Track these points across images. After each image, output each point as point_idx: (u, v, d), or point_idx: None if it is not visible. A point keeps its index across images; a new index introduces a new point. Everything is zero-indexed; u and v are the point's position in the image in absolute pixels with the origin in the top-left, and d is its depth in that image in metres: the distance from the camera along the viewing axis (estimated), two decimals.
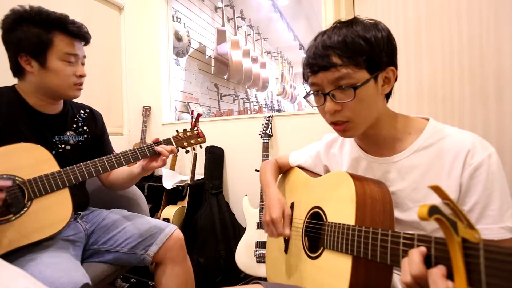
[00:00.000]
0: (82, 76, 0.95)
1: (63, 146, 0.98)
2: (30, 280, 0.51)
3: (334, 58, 0.57)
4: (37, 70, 0.88)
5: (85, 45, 0.98)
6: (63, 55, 0.89)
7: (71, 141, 1.00)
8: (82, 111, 1.08)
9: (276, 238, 0.77)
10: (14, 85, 0.94)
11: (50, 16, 0.87)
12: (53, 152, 0.94)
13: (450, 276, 0.36)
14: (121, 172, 1.07)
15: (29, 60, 0.87)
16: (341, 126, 0.62)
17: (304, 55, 0.67)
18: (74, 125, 1.03)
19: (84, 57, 0.98)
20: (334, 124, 0.63)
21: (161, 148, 0.96)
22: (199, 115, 1.09)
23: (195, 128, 1.07)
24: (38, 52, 0.86)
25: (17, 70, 0.90)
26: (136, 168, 1.01)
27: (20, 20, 0.85)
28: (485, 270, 0.33)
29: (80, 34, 0.93)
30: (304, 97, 0.67)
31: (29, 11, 0.86)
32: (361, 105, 0.59)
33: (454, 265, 0.35)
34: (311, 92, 0.65)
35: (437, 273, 0.36)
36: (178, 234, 1.01)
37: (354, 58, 0.56)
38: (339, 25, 0.60)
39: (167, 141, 1.00)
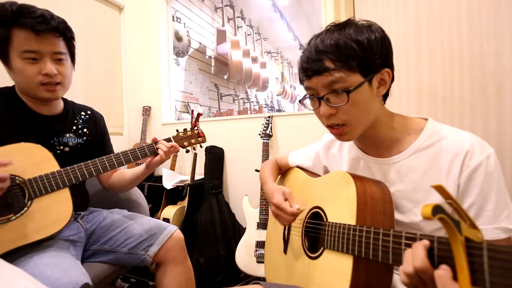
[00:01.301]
0: (47, 74, 0.83)
1: (61, 147, 0.97)
2: (30, 280, 0.51)
3: (327, 63, 0.57)
4: (9, 71, 0.86)
5: (65, 40, 0.87)
6: (21, 52, 0.80)
7: (70, 143, 0.99)
8: (83, 113, 1.07)
9: (291, 222, 0.71)
10: (13, 86, 0.93)
11: (4, 10, 0.78)
12: (51, 154, 0.93)
13: (453, 275, 0.36)
14: (124, 173, 1.07)
15: (2, 61, 0.85)
16: (338, 130, 0.62)
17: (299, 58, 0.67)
18: (74, 127, 1.02)
19: (58, 53, 0.86)
20: (330, 127, 0.64)
21: (160, 144, 0.97)
22: (199, 114, 1.09)
23: (196, 128, 1.07)
24: (1, 52, 0.82)
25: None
26: (140, 167, 1.02)
27: None
28: (489, 269, 0.33)
29: (36, 28, 0.79)
30: (300, 101, 0.68)
31: None
32: (356, 109, 0.59)
33: (458, 264, 0.35)
34: (307, 96, 0.65)
35: (445, 275, 0.36)
36: (178, 234, 1.01)
37: (346, 62, 0.56)
38: (332, 28, 0.60)
39: (168, 141, 1.01)
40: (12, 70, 0.85)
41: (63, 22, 0.87)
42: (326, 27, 0.62)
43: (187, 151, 1.10)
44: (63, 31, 0.86)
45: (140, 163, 1.03)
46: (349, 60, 0.56)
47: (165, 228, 0.99)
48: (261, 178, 0.92)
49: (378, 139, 0.66)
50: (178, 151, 1.04)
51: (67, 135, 0.99)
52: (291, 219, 0.70)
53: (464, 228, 0.35)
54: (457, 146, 0.57)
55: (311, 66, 0.59)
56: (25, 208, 0.79)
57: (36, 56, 0.82)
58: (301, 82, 0.66)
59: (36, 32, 0.80)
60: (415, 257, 0.39)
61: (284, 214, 0.70)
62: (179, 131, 1.06)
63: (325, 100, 0.59)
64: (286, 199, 0.72)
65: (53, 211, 0.82)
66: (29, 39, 0.80)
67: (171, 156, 1.95)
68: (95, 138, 1.07)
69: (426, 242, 0.40)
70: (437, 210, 0.35)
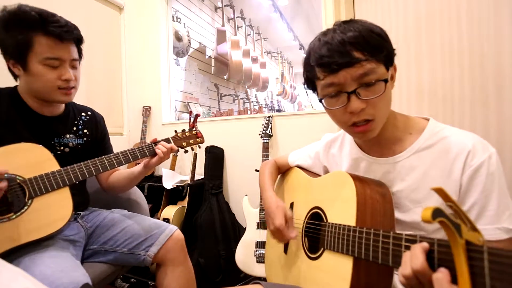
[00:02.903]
0: (68, 80, 0.87)
1: (62, 148, 0.97)
2: (29, 279, 0.51)
3: (356, 54, 0.54)
4: (22, 73, 0.86)
5: (78, 45, 0.91)
6: (43, 59, 0.83)
7: (70, 144, 0.99)
8: (83, 114, 1.07)
9: (285, 242, 0.76)
10: (16, 86, 0.94)
11: (29, 16, 0.80)
12: (52, 154, 0.94)
13: (453, 278, 0.36)
14: (122, 173, 1.07)
15: (15, 63, 0.85)
16: (365, 127, 0.59)
17: (304, 56, 0.64)
18: (74, 128, 1.02)
19: (74, 60, 0.89)
20: (355, 125, 0.59)
21: (160, 145, 0.97)
22: (197, 115, 1.10)
23: (194, 129, 1.07)
24: (18, 56, 0.83)
25: (12, 73, 0.89)
26: (137, 167, 1.02)
27: (5, 22, 0.81)
28: (489, 273, 0.32)
29: (62, 36, 0.83)
30: (320, 101, 0.63)
31: (10, 12, 0.81)
32: (384, 101, 0.58)
33: (458, 268, 0.34)
34: (318, 95, 0.62)
35: (443, 278, 0.36)
36: (179, 234, 1.01)
37: (375, 53, 0.55)
38: (348, 22, 0.58)
39: (166, 141, 1.01)
40: (28, 73, 0.84)
41: (78, 29, 0.90)
42: (334, 24, 0.60)
43: (186, 151, 1.10)
44: (80, 39, 0.91)
45: (139, 163, 1.03)
46: (377, 51, 0.55)
47: (165, 228, 0.99)
48: (260, 183, 0.91)
49: (382, 137, 0.65)
50: (178, 151, 1.04)
51: (67, 136, 0.99)
52: (285, 242, 0.74)
53: (465, 231, 0.35)
54: (459, 146, 0.57)
55: (337, 59, 0.55)
56: (26, 207, 0.79)
57: (57, 63, 0.85)
58: (312, 80, 0.62)
59: (62, 40, 0.84)
60: (413, 259, 0.39)
61: (282, 237, 0.73)
62: (178, 131, 1.06)
63: (357, 94, 0.56)
64: (286, 222, 0.72)
65: (53, 210, 0.82)
66: (52, 47, 0.83)
67: (171, 156, 1.96)
68: (95, 139, 1.08)
69: (425, 244, 0.39)
70: (437, 213, 0.34)
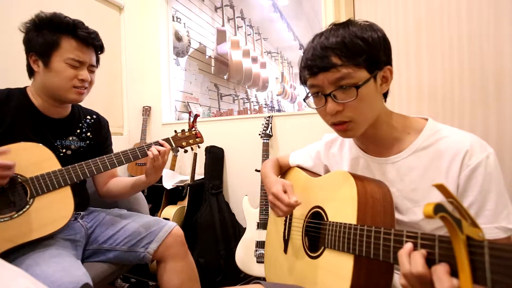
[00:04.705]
0: (84, 80, 0.93)
1: (64, 150, 0.98)
2: (30, 279, 0.51)
3: (333, 59, 0.57)
4: (42, 69, 0.90)
5: (100, 53, 1.00)
6: (67, 58, 0.90)
7: (73, 146, 1.00)
8: (88, 117, 1.08)
9: (287, 214, 0.70)
10: (25, 87, 0.96)
11: (62, 20, 0.90)
12: (52, 153, 0.94)
13: (454, 274, 0.36)
14: (126, 180, 1.07)
15: (37, 59, 0.90)
16: (343, 126, 0.62)
17: (301, 57, 0.66)
18: (78, 131, 1.03)
19: (93, 65, 0.97)
20: (335, 124, 0.63)
21: (152, 148, 0.95)
22: (196, 116, 1.11)
23: (193, 129, 1.08)
24: (44, 52, 0.89)
25: (29, 70, 0.93)
26: (141, 177, 1.02)
27: (39, 24, 0.89)
28: (490, 267, 0.33)
29: (88, 41, 0.92)
30: (304, 100, 0.67)
31: (46, 16, 0.89)
32: (363, 104, 0.59)
33: (459, 263, 0.35)
34: (309, 94, 0.65)
35: (441, 269, 0.36)
36: (178, 230, 1.01)
37: (353, 58, 0.57)
38: (335, 27, 0.60)
39: (166, 141, 1.01)
40: (48, 69, 0.89)
41: (101, 40, 0.98)
42: (329, 26, 0.62)
43: (186, 151, 1.10)
44: (97, 45, 0.97)
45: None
46: (356, 56, 0.57)
47: (164, 225, 0.99)
48: (262, 173, 0.92)
49: (378, 137, 0.66)
50: (178, 150, 1.04)
51: (70, 138, 1.00)
52: (287, 210, 0.69)
53: (465, 226, 0.35)
54: (457, 146, 0.57)
55: (317, 63, 0.59)
56: (27, 206, 0.79)
57: (78, 64, 0.92)
58: (303, 81, 0.66)
59: (87, 45, 0.93)
60: (413, 264, 0.39)
61: (281, 204, 0.69)
62: (177, 131, 1.07)
63: (332, 97, 0.59)
64: (285, 191, 0.70)
65: (55, 209, 0.83)
66: (77, 49, 0.91)
67: (171, 156, 1.96)
68: (97, 143, 1.08)
69: (423, 251, 0.40)
70: (438, 208, 0.35)
